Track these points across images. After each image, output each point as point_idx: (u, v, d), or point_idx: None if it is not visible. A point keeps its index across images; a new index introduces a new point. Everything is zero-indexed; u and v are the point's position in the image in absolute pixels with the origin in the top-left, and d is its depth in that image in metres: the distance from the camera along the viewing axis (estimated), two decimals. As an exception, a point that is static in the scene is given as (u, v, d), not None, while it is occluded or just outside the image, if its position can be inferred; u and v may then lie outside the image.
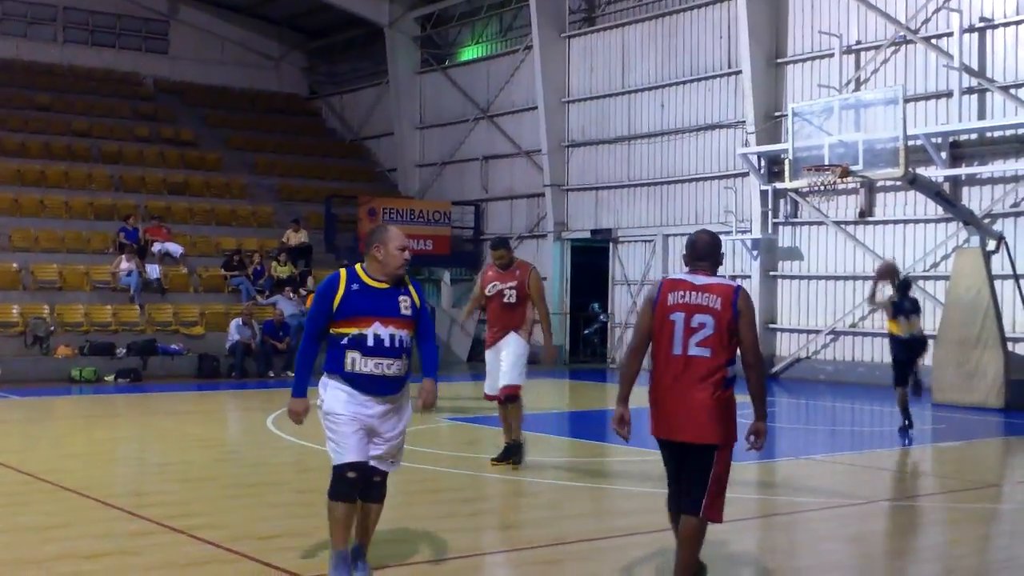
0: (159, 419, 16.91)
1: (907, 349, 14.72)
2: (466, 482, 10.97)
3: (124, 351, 23.22)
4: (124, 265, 25.25)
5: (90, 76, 35.82)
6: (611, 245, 28.73)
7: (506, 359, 11.32)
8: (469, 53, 33.98)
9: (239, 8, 38.77)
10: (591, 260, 29.42)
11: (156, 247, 26.79)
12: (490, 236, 31.91)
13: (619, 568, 7.39)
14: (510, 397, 11.37)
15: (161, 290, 25.73)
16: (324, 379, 6.80)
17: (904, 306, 14.63)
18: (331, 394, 6.74)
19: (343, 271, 6.79)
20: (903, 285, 14.87)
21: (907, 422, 14.66)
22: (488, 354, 11.58)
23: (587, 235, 29.23)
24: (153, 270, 25.79)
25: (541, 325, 11.64)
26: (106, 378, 22.39)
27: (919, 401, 16.46)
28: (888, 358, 15.99)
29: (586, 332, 29.96)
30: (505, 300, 11.37)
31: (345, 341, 6.67)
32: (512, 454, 11.46)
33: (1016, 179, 21.14)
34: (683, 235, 26.60)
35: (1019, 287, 19.83)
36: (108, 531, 8.39)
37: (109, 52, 37.12)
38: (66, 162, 30.18)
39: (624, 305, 28.51)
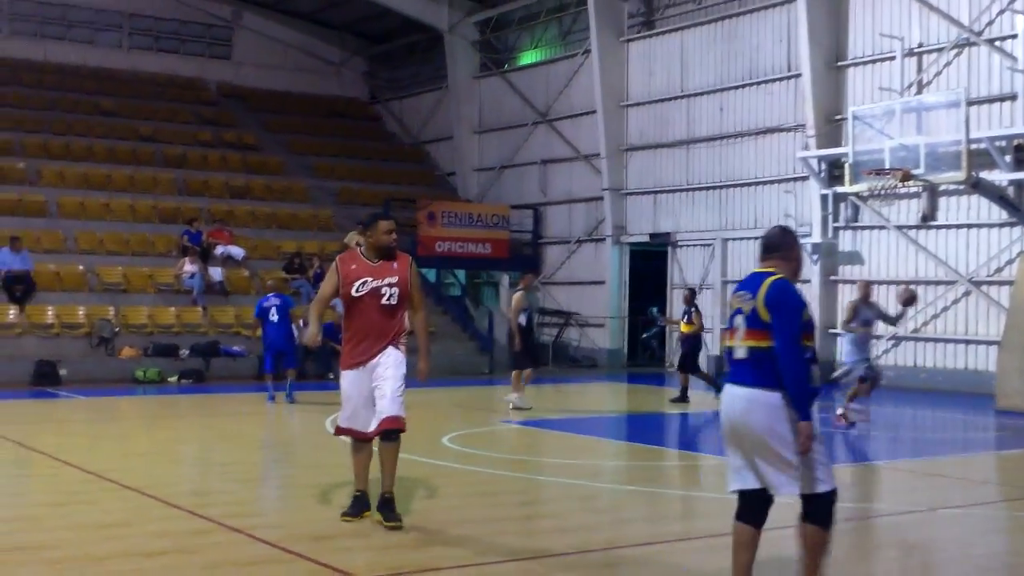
0: (221, 420, 17.12)
1: (692, 342, 19.64)
2: (523, 485, 10.99)
3: (187, 352, 23.54)
4: (187, 267, 25.60)
5: (154, 81, 36.34)
6: (670, 249, 28.63)
7: (389, 382, 8.44)
8: (528, 57, 34.04)
9: (301, 14, 39.16)
10: (650, 264, 29.33)
11: (219, 250, 27.09)
12: (549, 240, 32.01)
13: (671, 573, 7.38)
14: (393, 432, 8.44)
15: (223, 292, 26.04)
16: (776, 400, 6.07)
17: (690, 312, 19.69)
18: (792, 421, 6.08)
19: (786, 277, 6.26)
20: (691, 294, 20.25)
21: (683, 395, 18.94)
22: (353, 375, 8.56)
23: (646, 239, 29.15)
24: (216, 273, 26.12)
25: (420, 335, 8.89)
26: (169, 379, 22.71)
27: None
28: (951, 363, 16.30)
29: (644, 336, 29.88)
30: (384, 302, 8.52)
31: (809, 355, 6.16)
32: (385, 509, 8.46)
33: (1083, 183, 20.79)
34: (742, 239, 26.58)
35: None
36: (168, 529, 8.50)
37: (173, 58, 37.68)
38: (131, 166, 30.63)
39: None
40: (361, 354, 8.51)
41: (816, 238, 24.55)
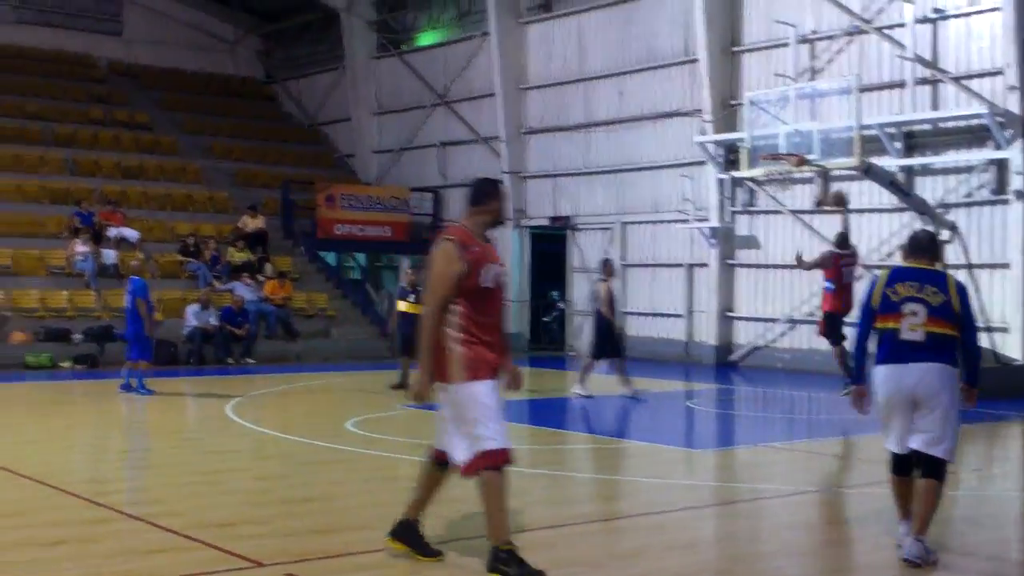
0: (116, 406, 16.78)
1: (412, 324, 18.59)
2: (426, 469, 10.94)
3: (80, 337, 23.01)
4: (79, 250, 25.02)
5: (43, 57, 35.31)
6: (569, 233, 28.79)
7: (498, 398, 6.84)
8: (426, 38, 33.87)
9: (194, -10, 38.44)
10: (549, 248, 29.48)
11: (111, 232, 26.51)
12: (450, 222, 31.90)
13: (580, 555, 7.44)
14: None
15: (117, 275, 25.41)
16: (956, 376, 7.51)
17: (407, 291, 18.93)
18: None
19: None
20: (415, 274, 19.09)
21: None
22: (490, 388, 6.73)
23: (545, 223, 29.28)
24: (108, 255, 25.56)
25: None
26: (62, 364, 22.18)
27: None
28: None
29: (545, 320, 30.02)
30: (504, 293, 7.03)
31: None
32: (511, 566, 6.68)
33: (968, 169, 21.37)
34: (641, 223, 26.80)
35: (972, 276, 20.10)
36: (66, 519, 8.33)
37: (62, 33, 36.60)
38: (18, 145, 29.75)
39: (582, 292, 28.57)
40: (497, 360, 6.78)
41: (714, 222, 24.89)
